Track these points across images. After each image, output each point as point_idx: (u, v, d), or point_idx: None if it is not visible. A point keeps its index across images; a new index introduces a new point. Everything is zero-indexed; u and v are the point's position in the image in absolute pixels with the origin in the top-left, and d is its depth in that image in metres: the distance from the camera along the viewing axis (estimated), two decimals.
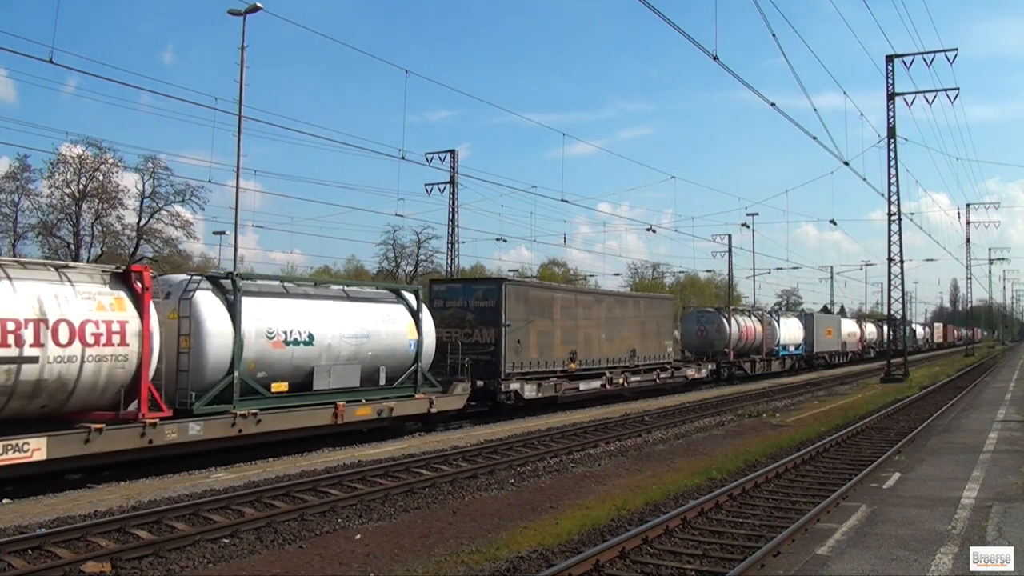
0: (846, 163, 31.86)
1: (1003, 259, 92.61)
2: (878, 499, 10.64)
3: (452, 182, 41.97)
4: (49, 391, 12.03)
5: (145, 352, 13.01)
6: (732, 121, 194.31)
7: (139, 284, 13.14)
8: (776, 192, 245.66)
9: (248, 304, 15.25)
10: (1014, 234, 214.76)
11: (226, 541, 9.35)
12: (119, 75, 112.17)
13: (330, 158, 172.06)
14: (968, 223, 68.50)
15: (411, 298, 19.57)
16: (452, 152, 41.91)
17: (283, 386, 15.93)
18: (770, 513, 10.55)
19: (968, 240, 71.10)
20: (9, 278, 11.80)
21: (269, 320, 15.66)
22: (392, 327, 18.51)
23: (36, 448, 11.64)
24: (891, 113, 37.03)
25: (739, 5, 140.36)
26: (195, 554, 8.87)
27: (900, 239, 37.91)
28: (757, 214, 61.95)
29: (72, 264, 13.32)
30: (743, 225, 59.29)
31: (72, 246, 42.24)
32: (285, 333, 15.90)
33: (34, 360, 11.71)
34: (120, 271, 13.39)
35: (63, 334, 12.05)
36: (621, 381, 27.90)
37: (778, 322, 44.57)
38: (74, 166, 41.85)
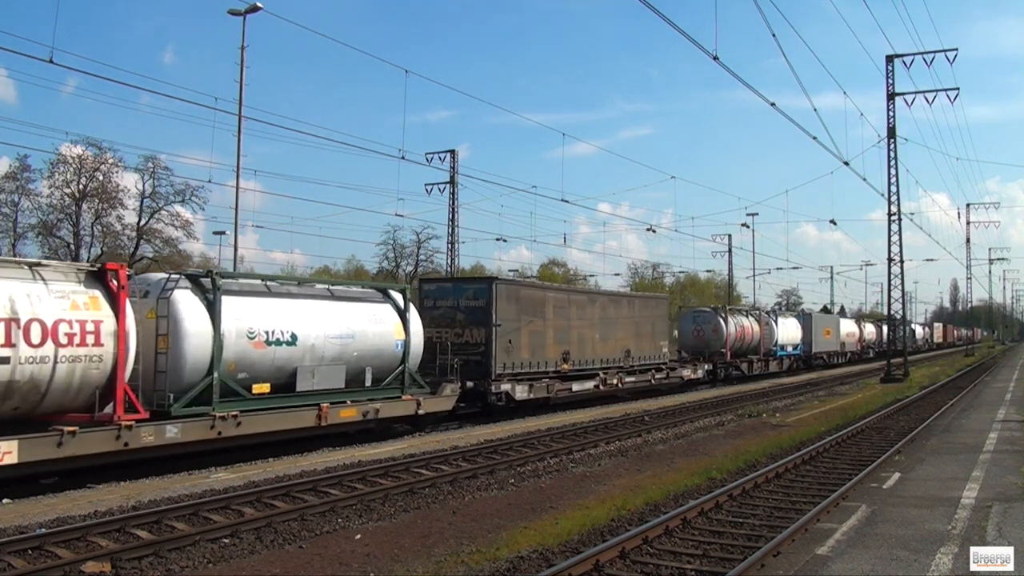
0: (846, 163, 31.90)
1: (1003, 259, 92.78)
2: (878, 499, 10.64)
3: (452, 182, 42.01)
4: (21, 393, 11.70)
5: (120, 352, 12.66)
6: (732, 121, 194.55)
7: (115, 282, 12.77)
8: (776, 192, 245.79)
9: (228, 303, 14.88)
10: (1014, 234, 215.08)
11: (226, 541, 9.35)
12: (119, 75, 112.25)
13: (330, 158, 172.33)
14: (968, 223, 68.66)
15: (398, 297, 19.22)
16: (452, 152, 42.00)
17: (265, 387, 15.53)
18: (770, 513, 10.54)
19: (968, 240, 71.26)
20: None
21: (250, 320, 15.29)
22: (378, 327, 18.15)
23: (7, 451, 11.26)
24: (891, 113, 37.07)
25: (739, 5, 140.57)
26: (195, 554, 8.87)
27: (900, 239, 37.99)
28: (757, 214, 61.85)
29: (45, 262, 12.92)
30: (743, 225, 59.54)
31: (72, 246, 42.24)
32: (267, 333, 15.52)
33: (5, 361, 11.39)
34: (95, 269, 13.01)
35: (35, 334, 11.71)
36: (615, 382, 27.56)
37: (776, 322, 44.17)
38: (74, 166, 41.87)
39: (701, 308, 42.73)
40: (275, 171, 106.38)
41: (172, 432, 13.49)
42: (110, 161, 42.48)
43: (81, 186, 42.37)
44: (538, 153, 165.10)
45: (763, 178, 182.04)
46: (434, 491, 12.26)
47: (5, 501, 11.37)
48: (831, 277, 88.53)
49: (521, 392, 22.68)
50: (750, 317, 41.61)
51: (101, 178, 42.81)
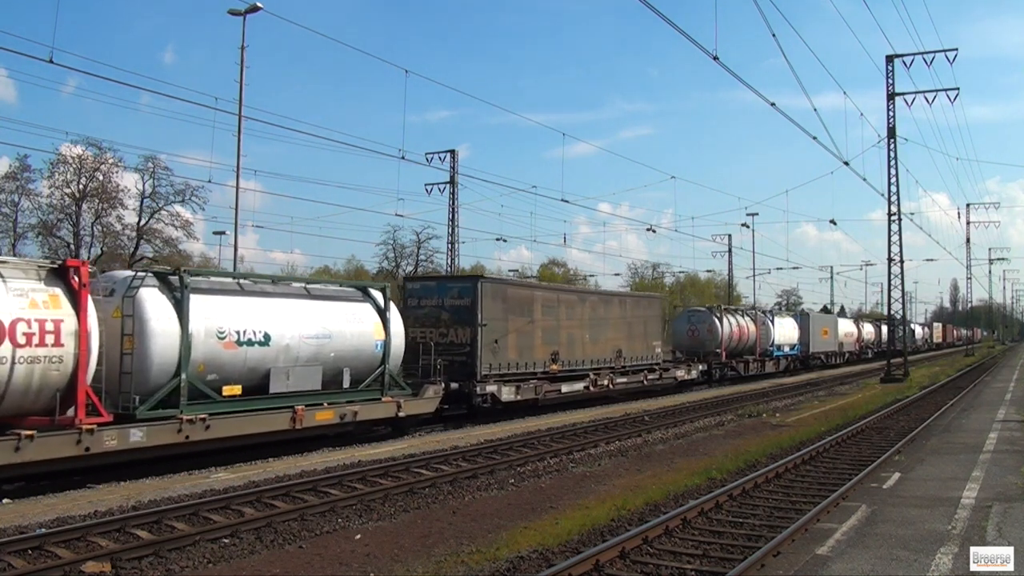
0: (846, 163, 31.86)
1: (1003, 259, 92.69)
2: (878, 499, 10.64)
3: (452, 182, 42.01)
4: None
5: (82, 353, 12.13)
6: (732, 121, 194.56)
7: (76, 280, 12.22)
8: (776, 192, 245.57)
9: (197, 302, 14.36)
10: (1014, 234, 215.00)
11: (226, 541, 9.35)
12: (119, 75, 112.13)
13: (330, 158, 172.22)
14: (968, 223, 68.63)
15: (378, 296, 18.57)
16: (452, 152, 41.99)
17: (236, 389, 14.98)
18: (770, 513, 10.55)
19: (968, 240, 71.23)
20: None
21: (220, 319, 14.76)
22: (357, 327, 17.59)
23: None
24: (891, 113, 37.06)
25: (739, 5, 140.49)
26: (195, 554, 8.88)
27: (900, 239, 37.98)
28: (757, 214, 61.71)
29: (3, 259, 12.47)
30: (743, 225, 59.40)
31: (72, 246, 42.21)
32: (238, 333, 14.97)
33: None
34: (56, 266, 12.45)
35: None
36: (606, 383, 27.00)
37: (772, 322, 43.79)
38: (74, 166, 41.85)
39: (696, 308, 42.26)
40: (275, 171, 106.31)
41: (137, 436, 12.94)
42: (110, 161, 42.48)
43: (81, 186, 42.37)
44: (538, 153, 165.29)
45: (763, 178, 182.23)
46: (434, 491, 12.26)
47: (5, 501, 11.37)
48: (831, 277, 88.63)
49: (508, 394, 22.16)
50: (746, 317, 41.22)
51: (101, 178, 42.81)
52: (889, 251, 38.02)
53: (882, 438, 17.33)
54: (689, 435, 19.46)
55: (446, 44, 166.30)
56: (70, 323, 12.15)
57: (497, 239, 55.83)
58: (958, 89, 35.89)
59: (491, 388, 21.60)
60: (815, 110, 75.54)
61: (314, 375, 16.37)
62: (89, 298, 12.41)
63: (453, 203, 42.37)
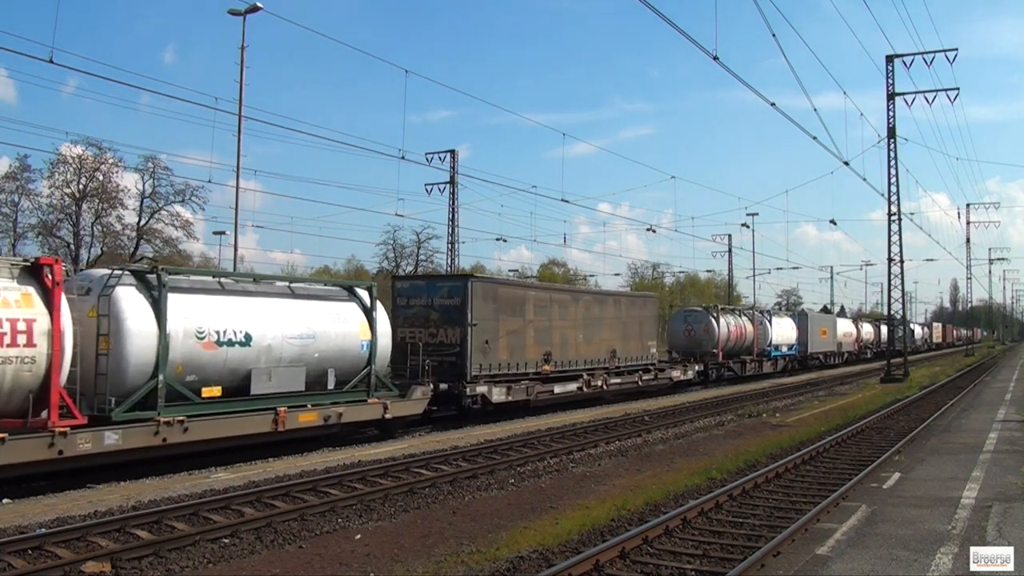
0: (846, 163, 31.88)
1: (1003, 259, 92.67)
2: (878, 499, 10.64)
3: (452, 182, 42.05)
4: None
5: (55, 353, 11.80)
6: (732, 121, 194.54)
7: (50, 278, 11.92)
8: (776, 192, 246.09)
9: (175, 301, 13.99)
10: (1014, 234, 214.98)
11: (226, 541, 9.35)
12: (119, 75, 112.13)
13: (330, 158, 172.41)
14: (968, 223, 68.60)
15: (364, 296, 18.16)
16: (452, 152, 42.05)
17: (216, 391, 14.58)
18: (770, 513, 10.55)
19: (968, 240, 71.21)
20: None
21: (200, 319, 14.39)
22: (342, 327, 17.21)
23: None
24: (891, 113, 37.06)
25: (739, 5, 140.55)
26: (195, 554, 8.88)
27: (900, 239, 37.99)
28: (757, 214, 61.82)
29: None
30: (743, 225, 59.36)
31: (72, 246, 42.29)
32: (218, 333, 14.60)
33: None
34: (29, 264, 12.11)
35: None
36: (600, 383, 26.58)
37: (770, 322, 43.45)
38: (74, 166, 41.95)
39: (692, 308, 41.86)
40: (275, 171, 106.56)
41: (112, 439, 12.56)
42: (110, 161, 42.58)
43: (81, 186, 42.44)
44: (538, 153, 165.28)
45: (763, 178, 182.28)
46: (434, 491, 12.26)
47: (5, 501, 11.37)
48: (831, 277, 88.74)
49: (498, 394, 21.76)
50: (743, 317, 40.87)
51: (101, 178, 42.92)
52: (889, 251, 38.09)
53: (882, 438, 17.33)
54: (689, 435, 19.47)
55: (446, 44, 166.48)
56: (43, 322, 11.82)
57: (497, 239, 55.93)
58: (958, 89, 35.97)
59: (481, 389, 21.23)
60: (815, 110, 75.62)
61: (297, 376, 16.01)
62: (63, 297, 12.14)
63: (453, 203, 42.44)
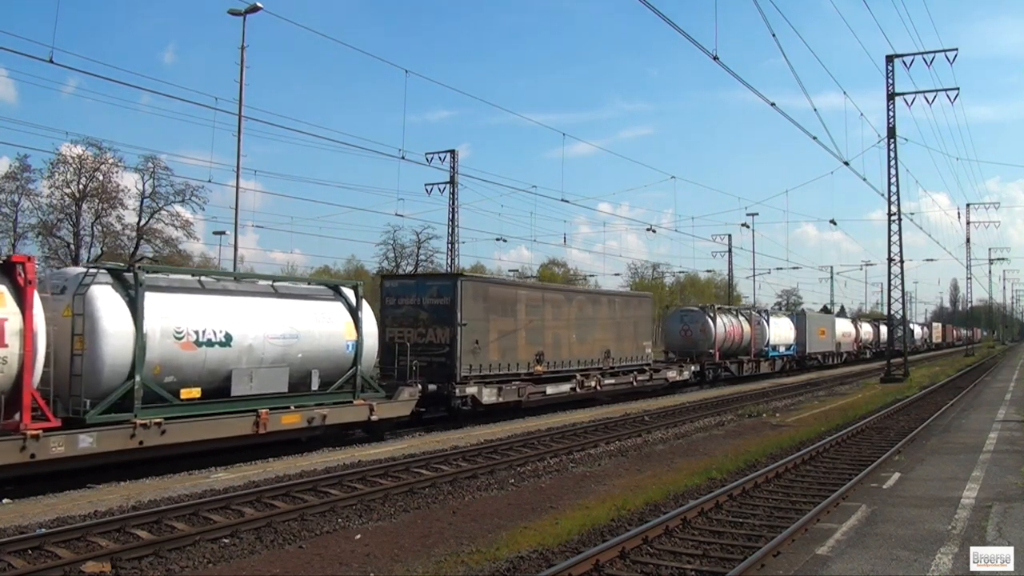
0: (846, 163, 31.84)
1: (1003, 259, 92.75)
2: (878, 499, 10.64)
3: (452, 182, 42.07)
4: None
5: (27, 354, 11.46)
6: (732, 121, 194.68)
7: (22, 277, 11.62)
8: (776, 192, 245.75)
9: (153, 300, 13.62)
10: (1014, 234, 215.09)
11: (226, 541, 9.35)
12: (119, 75, 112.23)
13: (330, 158, 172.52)
14: (968, 223, 68.62)
15: (350, 295, 17.74)
16: (452, 152, 42.06)
17: (195, 392, 14.19)
18: (770, 513, 10.55)
19: (968, 240, 71.24)
20: None
21: (178, 318, 14.02)
22: (327, 327, 16.83)
23: None
24: (891, 113, 37.06)
25: (739, 5, 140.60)
26: (195, 554, 8.88)
27: (900, 239, 37.98)
28: (757, 214, 61.85)
29: None
30: (743, 225, 59.54)
31: (72, 246, 42.27)
32: (197, 333, 14.20)
33: None
34: (1, 262, 11.90)
35: None
36: (594, 384, 26.21)
37: (767, 322, 43.14)
38: (74, 166, 41.90)
39: (688, 307, 41.40)
40: (275, 171, 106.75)
41: (86, 442, 12.20)
42: (110, 161, 42.54)
43: (81, 186, 42.41)
44: (538, 153, 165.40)
45: (763, 178, 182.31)
46: (434, 491, 12.26)
47: (5, 501, 11.37)
48: (831, 277, 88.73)
49: (489, 396, 21.36)
50: (740, 317, 40.53)
51: (101, 178, 42.87)
52: (889, 251, 38.08)
53: (882, 438, 17.33)
54: (689, 435, 19.47)
55: (446, 44, 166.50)
56: (15, 322, 11.50)
57: (497, 239, 56.04)
58: (958, 89, 35.95)
59: (471, 390, 20.84)
60: (815, 110, 75.63)
61: (280, 377, 15.63)
62: (36, 296, 11.87)
63: (453, 203, 42.45)
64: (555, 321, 25.24)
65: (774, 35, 19.64)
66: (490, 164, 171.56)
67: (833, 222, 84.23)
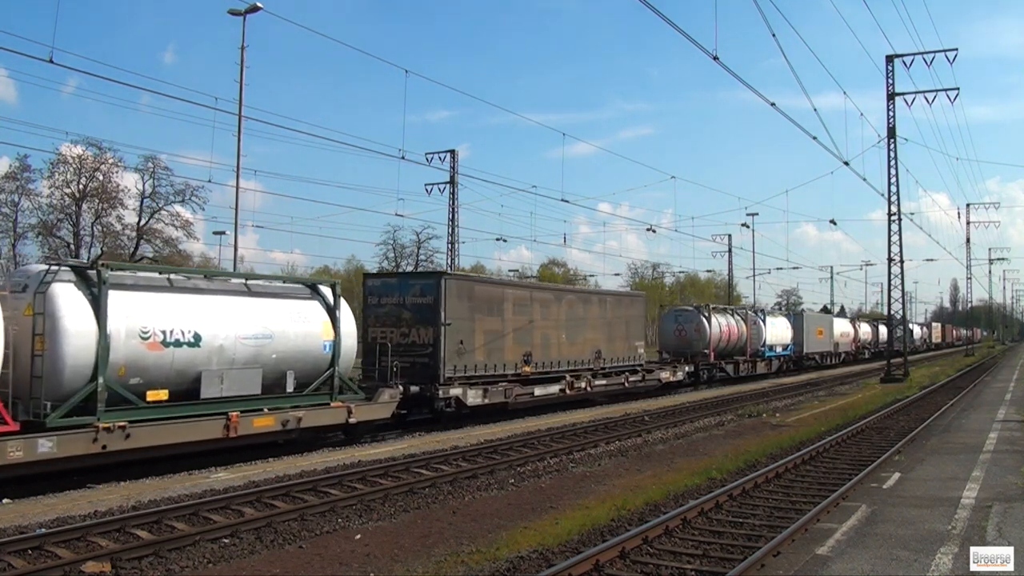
0: (846, 163, 31.86)
1: (1003, 259, 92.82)
2: (878, 499, 10.64)
3: (452, 182, 42.09)
4: None
5: None
6: (732, 121, 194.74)
7: None
8: (776, 192, 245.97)
9: (117, 298, 13.11)
10: (1014, 234, 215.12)
11: (226, 541, 9.35)
12: (119, 75, 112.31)
13: (330, 158, 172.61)
14: (968, 223, 68.67)
15: (328, 293, 17.26)
16: (452, 152, 42.11)
17: (162, 394, 13.69)
18: (770, 513, 10.55)
19: (968, 240, 71.28)
20: None
21: (144, 318, 13.52)
22: (303, 327, 16.31)
23: None
24: (891, 113, 37.05)
25: (739, 5, 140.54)
26: (195, 554, 8.88)
27: (900, 239, 37.98)
28: (757, 214, 61.92)
29: None
30: (743, 225, 59.61)
31: (72, 246, 42.29)
32: (164, 333, 13.72)
33: None
34: None
35: None
36: (584, 385, 25.67)
37: (764, 321, 42.59)
38: (74, 166, 42.01)
39: (683, 307, 40.99)
40: (275, 171, 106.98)
41: (45, 447, 11.75)
42: (110, 161, 42.65)
43: (81, 186, 42.49)
44: (538, 153, 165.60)
45: (763, 178, 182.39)
46: (434, 491, 12.26)
47: (5, 501, 11.36)
48: (831, 277, 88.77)
49: (474, 397, 20.77)
50: (736, 316, 40.06)
51: (101, 178, 42.98)
52: (889, 251, 38.08)
53: (882, 438, 17.33)
54: (689, 435, 19.46)
55: (446, 44, 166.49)
56: None
57: (497, 239, 56.10)
58: (958, 89, 35.94)
59: (456, 391, 20.26)
60: (815, 110, 75.63)
61: (252, 379, 15.13)
62: None
63: (453, 203, 42.48)
64: (544, 321, 24.69)
65: (774, 35, 19.67)
66: (490, 164, 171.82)
67: (833, 222, 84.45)
